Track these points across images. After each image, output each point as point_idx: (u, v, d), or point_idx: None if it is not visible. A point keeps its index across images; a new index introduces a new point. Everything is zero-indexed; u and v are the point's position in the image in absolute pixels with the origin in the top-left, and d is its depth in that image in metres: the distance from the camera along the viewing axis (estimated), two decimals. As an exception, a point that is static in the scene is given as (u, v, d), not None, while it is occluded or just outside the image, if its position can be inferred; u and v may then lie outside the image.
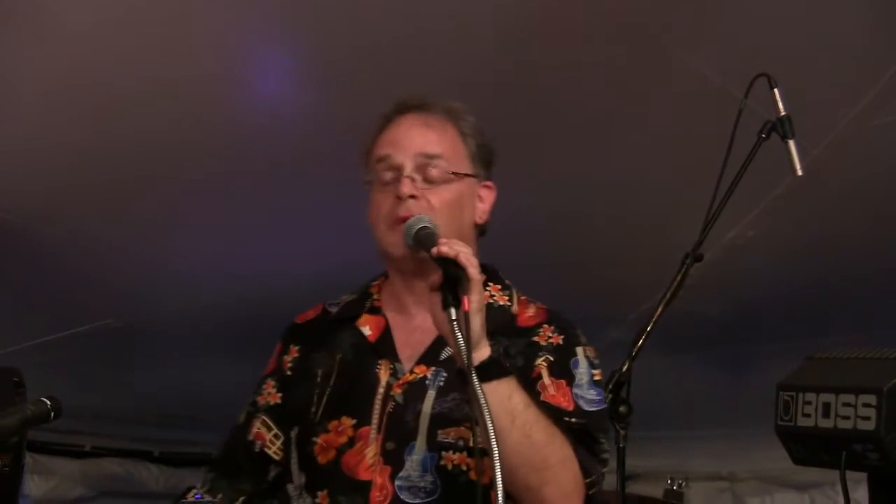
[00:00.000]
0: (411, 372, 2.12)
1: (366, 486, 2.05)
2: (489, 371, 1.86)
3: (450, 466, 2.04)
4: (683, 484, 4.62)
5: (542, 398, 2.03)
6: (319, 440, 2.12)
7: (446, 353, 2.10)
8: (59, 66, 2.81)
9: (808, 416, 2.20)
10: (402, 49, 2.90)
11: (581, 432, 2.02)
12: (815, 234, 3.78)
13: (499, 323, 2.09)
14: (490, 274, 2.20)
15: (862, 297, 4.04)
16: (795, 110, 2.54)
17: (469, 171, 2.16)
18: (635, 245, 3.85)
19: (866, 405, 2.06)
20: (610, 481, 2.09)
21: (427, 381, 2.10)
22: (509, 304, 2.19)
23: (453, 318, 1.80)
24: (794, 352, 2.48)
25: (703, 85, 3.04)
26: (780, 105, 2.54)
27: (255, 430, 2.23)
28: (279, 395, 2.24)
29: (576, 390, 2.08)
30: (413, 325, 2.18)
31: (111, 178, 3.25)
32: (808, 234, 3.78)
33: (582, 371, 2.11)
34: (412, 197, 2.08)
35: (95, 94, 2.92)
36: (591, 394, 2.09)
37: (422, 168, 2.11)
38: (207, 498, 2.19)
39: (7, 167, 3.11)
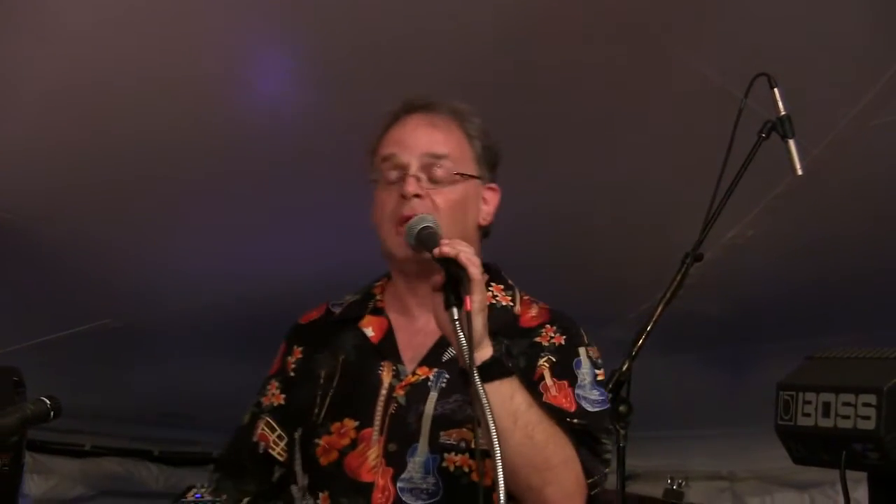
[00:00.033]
0: (413, 373, 2.12)
1: (368, 488, 2.05)
2: (491, 371, 1.86)
3: (452, 468, 2.03)
4: (683, 483, 4.61)
5: (543, 399, 2.02)
6: (322, 442, 2.11)
7: (448, 354, 2.10)
8: (59, 66, 2.81)
9: (808, 415, 2.20)
10: (402, 49, 2.90)
11: (583, 433, 2.02)
12: (815, 233, 3.78)
13: (501, 323, 2.08)
14: (493, 274, 2.20)
15: (862, 297, 4.04)
16: (795, 110, 2.54)
17: (474, 173, 2.16)
18: (635, 245, 3.86)
19: (866, 405, 2.06)
20: (610, 481, 2.09)
21: (429, 383, 2.10)
22: (512, 304, 2.19)
23: (455, 317, 1.80)
24: (794, 351, 2.49)
25: (703, 85, 3.04)
26: (780, 105, 2.54)
27: (259, 431, 2.23)
28: (283, 396, 2.24)
29: (578, 391, 2.07)
30: (415, 326, 2.17)
31: (111, 178, 3.25)
32: (808, 233, 3.79)
33: (584, 371, 2.10)
34: (417, 196, 2.08)
35: (95, 94, 2.92)
36: (594, 394, 2.08)
37: (427, 168, 2.11)
38: (207, 497, 2.19)
39: (7, 167, 3.11)
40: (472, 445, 2.00)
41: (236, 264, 3.81)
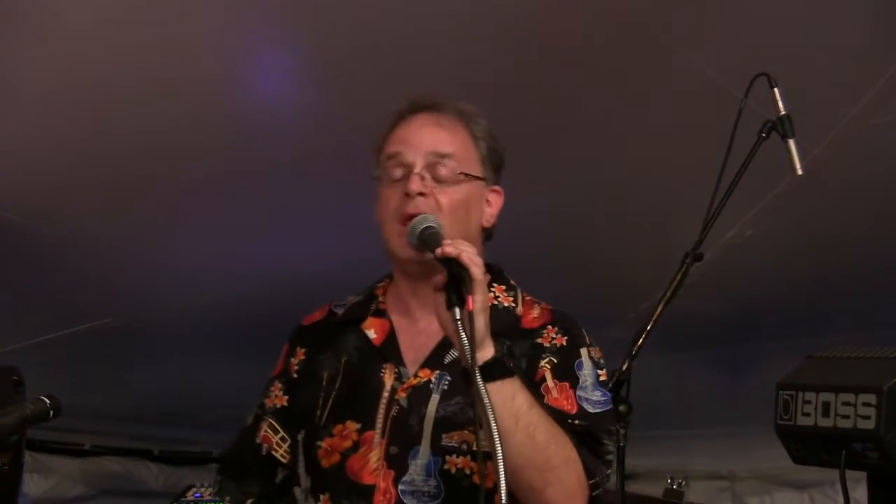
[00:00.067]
0: (415, 376, 2.12)
1: (369, 491, 2.05)
2: (493, 371, 1.86)
3: (453, 470, 2.03)
4: (683, 483, 4.62)
5: (545, 401, 2.02)
6: (323, 444, 2.11)
7: (450, 356, 2.10)
8: (60, 66, 2.81)
9: (808, 415, 2.20)
10: (403, 49, 2.90)
11: (584, 434, 2.02)
12: (815, 233, 3.78)
13: (503, 324, 2.08)
14: (495, 274, 2.20)
15: (862, 297, 4.04)
16: (795, 110, 2.54)
17: (478, 174, 2.16)
18: (635, 244, 3.86)
19: (866, 404, 2.07)
20: (610, 480, 2.09)
21: (431, 385, 2.10)
22: (514, 305, 2.19)
23: (457, 317, 1.80)
24: (793, 351, 2.49)
25: (703, 85, 3.04)
26: (780, 104, 2.55)
27: (262, 432, 2.24)
28: (285, 397, 2.24)
29: (580, 392, 2.07)
30: (418, 328, 2.17)
31: (111, 177, 3.25)
32: (807, 233, 3.79)
33: (586, 373, 2.10)
34: (421, 194, 2.08)
35: (95, 93, 2.92)
36: (596, 395, 2.08)
37: (432, 166, 2.11)
38: (206, 496, 2.19)
39: (7, 167, 3.11)
40: (474, 448, 2.00)
41: (236, 264, 3.81)
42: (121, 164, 3.20)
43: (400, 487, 2.03)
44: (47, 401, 1.92)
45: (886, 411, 2.04)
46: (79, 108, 2.96)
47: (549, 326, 2.14)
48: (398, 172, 2.12)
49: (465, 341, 1.77)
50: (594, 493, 1.99)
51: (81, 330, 4.11)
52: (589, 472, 1.97)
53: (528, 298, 2.21)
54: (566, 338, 2.12)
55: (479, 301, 1.82)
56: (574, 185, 3.54)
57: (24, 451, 2.64)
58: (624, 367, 2.32)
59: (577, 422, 2.02)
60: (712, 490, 5.23)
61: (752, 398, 3.63)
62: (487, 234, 2.21)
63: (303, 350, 2.25)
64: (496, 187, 2.21)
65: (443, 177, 2.11)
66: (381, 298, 2.24)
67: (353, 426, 2.10)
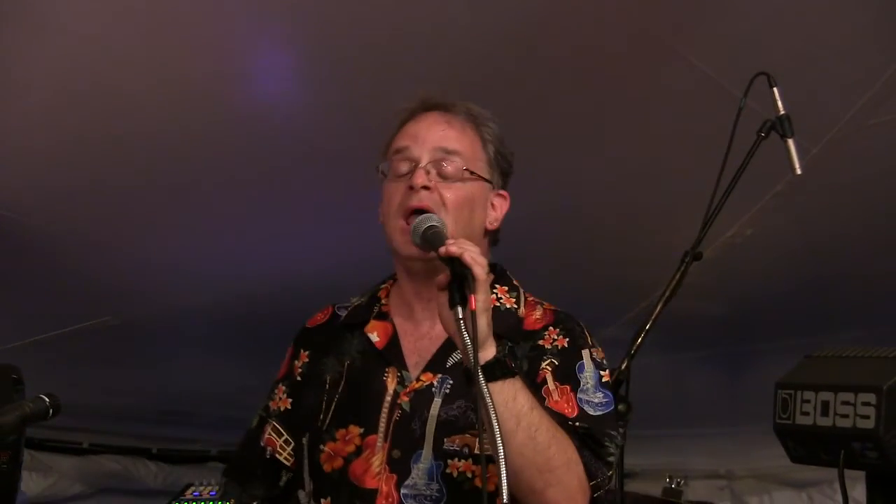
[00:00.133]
0: (418, 379, 2.12)
1: (371, 495, 2.05)
2: (494, 371, 1.86)
3: (455, 474, 2.03)
4: (682, 482, 4.61)
5: (546, 404, 2.02)
6: (326, 448, 2.12)
7: (452, 359, 2.10)
8: (60, 65, 2.81)
9: (807, 414, 2.20)
10: (403, 49, 2.90)
11: (586, 435, 2.01)
12: (814, 232, 3.78)
13: (505, 326, 2.08)
14: (498, 275, 2.20)
15: (861, 296, 4.05)
16: (794, 109, 2.54)
17: (485, 175, 2.16)
18: (635, 244, 3.86)
19: (866, 404, 2.07)
20: (612, 481, 2.09)
21: (433, 389, 2.10)
22: (516, 306, 2.18)
23: (459, 316, 1.80)
24: (792, 350, 2.49)
25: (703, 84, 3.04)
26: (780, 104, 2.55)
27: (266, 435, 2.24)
28: (289, 400, 2.24)
29: (581, 395, 2.06)
30: (420, 331, 2.17)
31: (111, 177, 3.25)
32: (807, 232, 3.79)
33: (587, 375, 2.09)
34: (425, 188, 2.08)
35: (95, 93, 2.91)
36: (598, 397, 2.07)
37: (438, 162, 2.11)
38: (205, 495, 2.19)
39: (7, 165, 3.11)
40: (476, 451, 2.00)
41: (235, 262, 3.81)
42: (120, 164, 3.20)
43: (402, 491, 2.03)
44: (47, 399, 1.91)
45: (886, 411, 2.04)
46: (79, 107, 2.96)
47: (551, 328, 2.13)
48: (404, 167, 2.12)
49: (468, 341, 1.77)
50: (595, 495, 1.98)
51: (80, 328, 4.10)
52: (590, 474, 1.96)
53: (530, 299, 2.21)
54: (567, 339, 2.12)
55: (481, 300, 1.81)
56: (573, 184, 3.53)
57: (23, 450, 2.64)
58: (623, 367, 2.32)
59: (577, 424, 2.02)
60: (711, 489, 5.24)
61: (750, 397, 3.63)
62: (494, 240, 2.21)
63: (306, 353, 2.25)
64: (502, 191, 2.20)
65: (448, 173, 2.11)
66: (384, 301, 2.24)
67: (355, 430, 2.10)
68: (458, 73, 2.88)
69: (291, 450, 2.21)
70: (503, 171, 2.20)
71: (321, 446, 2.12)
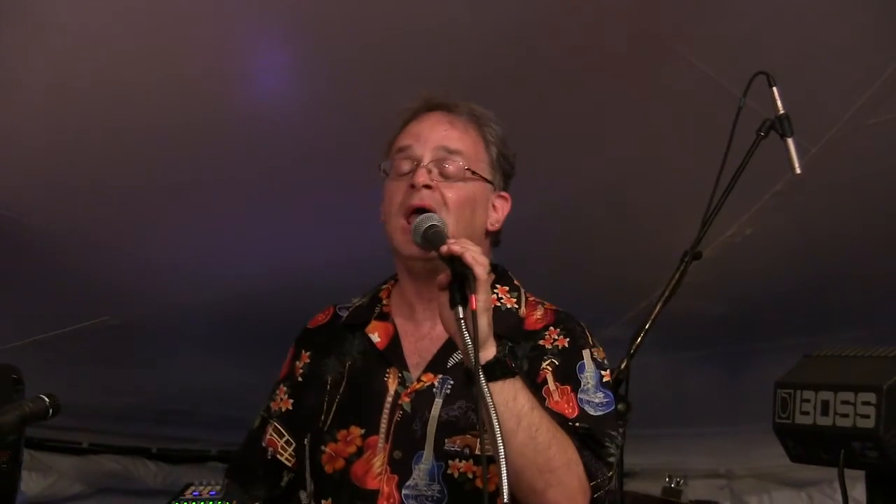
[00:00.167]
0: (419, 380, 2.12)
1: (372, 496, 2.05)
2: (495, 371, 1.85)
3: (456, 475, 2.04)
4: (682, 482, 4.62)
5: (546, 404, 2.02)
6: (327, 449, 2.12)
7: (453, 360, 2.10)
8: (60, 64, 2.81)
9: (807, 413, 2.20)
10: (402, 48, 2.90)
11: (586, 436, 2.01)
12: (814, 232, 3.78)
13: (505, 326, 2.08)
14: (499, 275, 2.20)
15: (861, 295, 4.05)
16: (794, 109, 2.54)
17: (487, 176, 2.16)
18: (634, 243, 3.86)
19: (866, 403, 2.06)
20: (612, 482, 2.08)
21: (434, 389, 2.10)
22: (517, 306, 2.18)
23: (460, 316, 1.80)
24: (792, 349, 2.49)
25: (703, 84, 3.04)
26: (779, 103, 2.55)
27: (267, 436, 2.24)
28: (291, 401, 2.24)
29: (581, 395, 2.06)
30: (421, 332, 2.17)
31: (111, 175, 3.25)
32: (806, 231, 3.79)
33: (588, 375, 2.09)
34: (427, 187, 2.08)
35: (95, 92, 2.92)
36: (599, 397, 2.07)
37: (440, 162, 2.11)
38: (205, 495, 2.19)
39: (6, 164, 3.11)
40: (476, 451, 2.00)
41: (235, 262, 3.81)
42: (120, 163, 3.20)
43: (403, 492, 2.03)
44: (46, 399, 1.91)
45: (886, 410, 2.04)
46: (79, 105, 2.96)
47: (552, 328, 2.13)
48: (406, 166, 2.12)
49: (468, 340, 1.77)
50: (595, 495, 1.98)
51: (80, 328, 4.10)
52: (590, 474, 1.96)
53: (531, 299, 2.20)
54: (568, 339, 2.11)
55: (482, 300, 1.81)
56: (572, 183, 3.53)
57: (23, 450, 2.64)
58: (623, 366, 2.33)
59: (577, 424, 2.02)
60: (710, 488, 5.24)
61: (750, 397, 3.63)
62: (495, 240, 2.21)
63: (308, 353, 2.25)
64: (504, 193, 2.20)
65: (450, 173, 2.11)
66: (385, 301, 2.24)
67: (357, 431, 2.10)
68: (458, 72, 2.88)
69: (293, 450, 2.21)
70: (505, 173, 2.20)
71: (322, 447, 2.12)
